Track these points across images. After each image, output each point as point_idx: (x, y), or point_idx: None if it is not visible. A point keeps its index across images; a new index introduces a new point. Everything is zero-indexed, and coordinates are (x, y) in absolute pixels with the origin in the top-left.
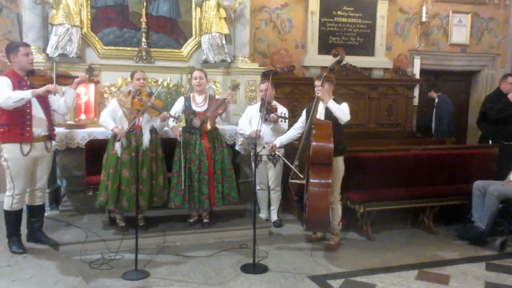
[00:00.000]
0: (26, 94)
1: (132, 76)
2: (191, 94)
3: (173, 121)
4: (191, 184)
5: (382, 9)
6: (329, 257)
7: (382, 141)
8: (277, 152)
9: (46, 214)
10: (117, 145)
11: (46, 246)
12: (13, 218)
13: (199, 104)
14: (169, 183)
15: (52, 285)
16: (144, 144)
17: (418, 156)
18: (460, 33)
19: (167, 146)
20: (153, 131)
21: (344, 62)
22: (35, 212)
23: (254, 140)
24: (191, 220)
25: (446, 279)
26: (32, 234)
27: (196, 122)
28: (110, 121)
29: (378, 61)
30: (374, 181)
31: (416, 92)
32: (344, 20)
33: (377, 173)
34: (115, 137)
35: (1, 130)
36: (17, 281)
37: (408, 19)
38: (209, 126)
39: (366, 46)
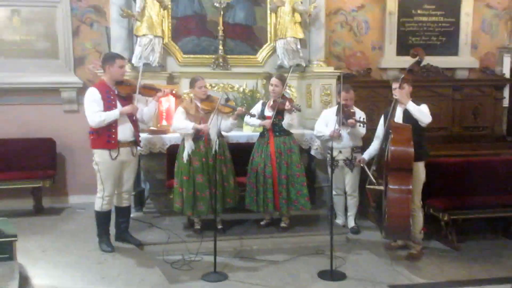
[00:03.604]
0: (115, 114)
1: (193, 84)
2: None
3: (249, 117)
4: (257, 187)
5: (467, 6)
6: (410, 267)
7: (468, 145)
8: (364, 167)
9: (131, 215)
10: (185, 154)
11: (132, 245)
12: (102, 218)
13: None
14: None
15: (137, 283)
16: (214, 149)
17: (509, 161)
18: None
19: (234, 151)
20: (219, 135)
21: (424, 63)
22: (122, 213)
23: (330, 144)
24: (262, 223)
25: None
26: (120, 234)
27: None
28: (188, 122)
29: (463, 60)
30: (460, 188)
31: (506, 92)
32: (424, 19)
33: (463, 179)
34: (184, 144)
35: (91, 137)
36: (106, 278)
37: (496, 14)
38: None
39: (449, 45)
